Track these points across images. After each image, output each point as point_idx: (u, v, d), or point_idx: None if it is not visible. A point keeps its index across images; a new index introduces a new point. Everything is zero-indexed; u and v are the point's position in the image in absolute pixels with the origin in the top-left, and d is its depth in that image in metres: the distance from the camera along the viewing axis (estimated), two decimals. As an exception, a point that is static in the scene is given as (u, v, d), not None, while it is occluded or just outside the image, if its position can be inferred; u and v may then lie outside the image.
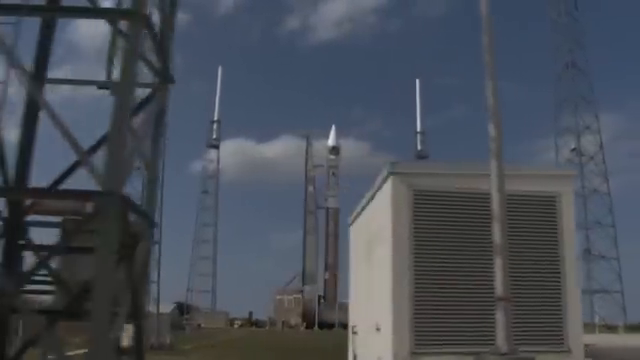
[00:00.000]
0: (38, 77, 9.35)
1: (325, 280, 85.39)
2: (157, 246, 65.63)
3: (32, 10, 8.10)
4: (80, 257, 8.69)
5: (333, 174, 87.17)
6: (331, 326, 70.21)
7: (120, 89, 7.36)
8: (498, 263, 10.63)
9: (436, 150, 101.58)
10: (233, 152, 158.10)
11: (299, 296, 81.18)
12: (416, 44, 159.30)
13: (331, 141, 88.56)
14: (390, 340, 14.60)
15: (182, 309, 78.42)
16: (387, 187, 15.40)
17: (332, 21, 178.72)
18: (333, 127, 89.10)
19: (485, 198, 14.91)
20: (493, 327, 14.03)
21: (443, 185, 15.13)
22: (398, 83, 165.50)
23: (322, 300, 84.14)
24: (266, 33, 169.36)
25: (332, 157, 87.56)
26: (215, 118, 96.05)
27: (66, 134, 7.30)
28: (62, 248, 8.49)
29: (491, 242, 14.42)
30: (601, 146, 61.40)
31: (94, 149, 8.22)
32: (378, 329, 15.83)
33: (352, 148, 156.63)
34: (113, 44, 9.71)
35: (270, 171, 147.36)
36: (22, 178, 8.91)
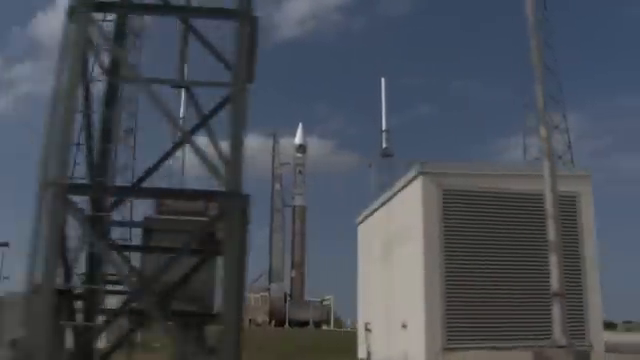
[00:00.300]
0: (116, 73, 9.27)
1: (292, 278, 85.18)
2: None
3: (134, 8, 8.03)
4: (164, 257, 8.62)
5: (300, 172, 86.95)
6: (303, 324, 70.25)
7: (235, 90, 7.37)
8: (553, 260, 10.96)
9: (400, 149, 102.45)
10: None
11: (266, 294, 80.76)
12: (380, 42, 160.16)
13: (298, 139, 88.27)
14: (422, 336, 14.86)
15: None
16: (416, 187, 15.65)
17: (295, 19, 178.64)
18: (300, 125, 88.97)
19: (513, 198, 15.35)
20: (525, 321, 14.46)
21: (471, 185, 15.47)
22: (362, 81, 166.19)
23: (289, 298, 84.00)
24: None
25: (299, 155, 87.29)
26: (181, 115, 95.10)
27: (170, 117, 7.31)
28: (149, 248, 8.42)
29: (521, 239, 14.83)
30: (569, 146, 62.95)
31: (193, 131, 8.14)
32: (404, 326, 16.07)
33: (316, 146, 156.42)
34: (185, 43, 9.66)
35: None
36: (103, 175, 8.80)
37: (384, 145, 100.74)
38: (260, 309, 79.59)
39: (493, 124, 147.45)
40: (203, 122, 7.96)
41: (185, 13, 8.36)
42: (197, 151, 7.27)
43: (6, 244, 45.82)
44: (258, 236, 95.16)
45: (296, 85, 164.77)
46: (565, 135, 62.68)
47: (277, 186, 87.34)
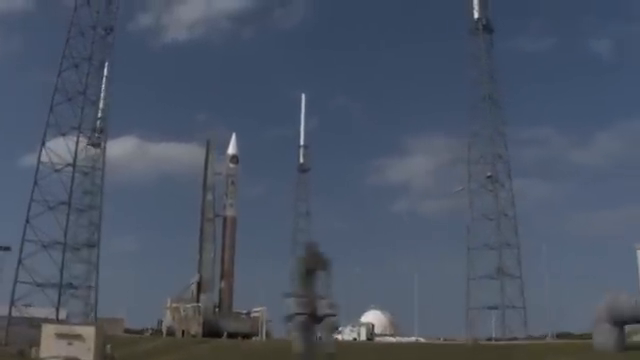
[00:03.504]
0: None
1: (220, 289, 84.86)
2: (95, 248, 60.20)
3: None
4: None
5: (232, 183, 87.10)
6: (230, 335, 69.83)
7: None
8: None
9: (277, 161, 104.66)
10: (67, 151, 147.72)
11: (198, 304, 79.95)
12: (268, 53, 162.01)
13: (231, 149, 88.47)
14: None
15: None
16: None
17: (185, 23, 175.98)
18: (234, 135, 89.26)
19: None
20: None
21: None
22: (246, 91, 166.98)
23: (216, 309, 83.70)
24: (116, 28, 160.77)
25: (232, 165, 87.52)
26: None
27: None
28: None
29: None
30: (509, 175, 69.82)
31: None
32: None
33: (197, 155, 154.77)
34: None
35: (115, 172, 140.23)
36: None
37: (301, 160, 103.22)
38: (193, 319, 78.15)
39: (370, 143, 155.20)
40: None
41: None
42: None
43: (8, 248, 42.21)
44: (189, 245, 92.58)
45: (178, 90, 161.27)
46: (507, 165, 69.60)
47: (209, 196, 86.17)
